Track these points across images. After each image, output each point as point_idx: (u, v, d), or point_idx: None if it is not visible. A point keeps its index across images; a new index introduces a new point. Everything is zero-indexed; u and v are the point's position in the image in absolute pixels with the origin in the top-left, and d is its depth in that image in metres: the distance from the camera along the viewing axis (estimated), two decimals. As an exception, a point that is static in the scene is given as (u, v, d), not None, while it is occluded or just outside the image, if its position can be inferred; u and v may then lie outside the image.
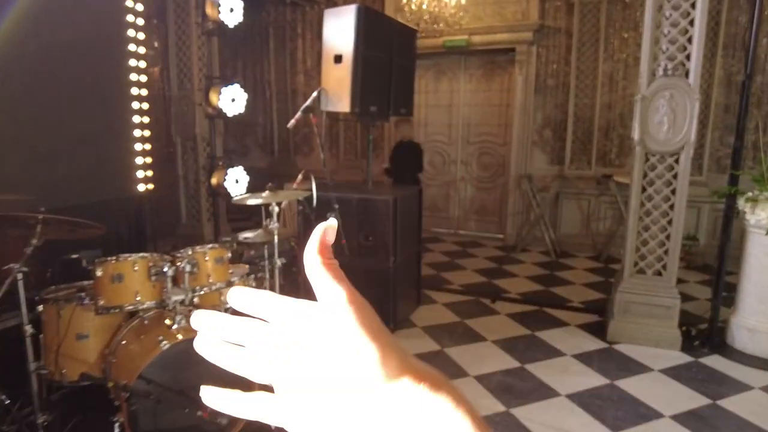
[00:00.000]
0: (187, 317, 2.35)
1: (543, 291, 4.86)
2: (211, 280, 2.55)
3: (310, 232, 0.34)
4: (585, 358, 3.49)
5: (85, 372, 2.32)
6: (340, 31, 3.60)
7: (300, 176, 3.18)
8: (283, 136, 7.92)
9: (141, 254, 2.40)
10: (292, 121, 2.92)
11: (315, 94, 3.05)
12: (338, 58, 3.59)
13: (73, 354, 2.39)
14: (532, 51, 6.20)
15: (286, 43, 7.70)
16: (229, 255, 2.73)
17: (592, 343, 3.72)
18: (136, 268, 2.33)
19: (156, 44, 5.81)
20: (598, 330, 3.90)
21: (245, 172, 4.08)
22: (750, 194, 3.42)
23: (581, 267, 5.63)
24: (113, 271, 2.30)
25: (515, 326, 4.00)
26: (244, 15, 3.88)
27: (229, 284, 2.65)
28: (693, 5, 3.32)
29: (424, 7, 6.16)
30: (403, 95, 4.25)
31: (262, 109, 8.01)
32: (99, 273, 2.29)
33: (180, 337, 2.24)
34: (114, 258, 2.32)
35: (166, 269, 2.35)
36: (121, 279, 2.31)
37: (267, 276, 3.02)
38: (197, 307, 2.58)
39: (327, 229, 0.35)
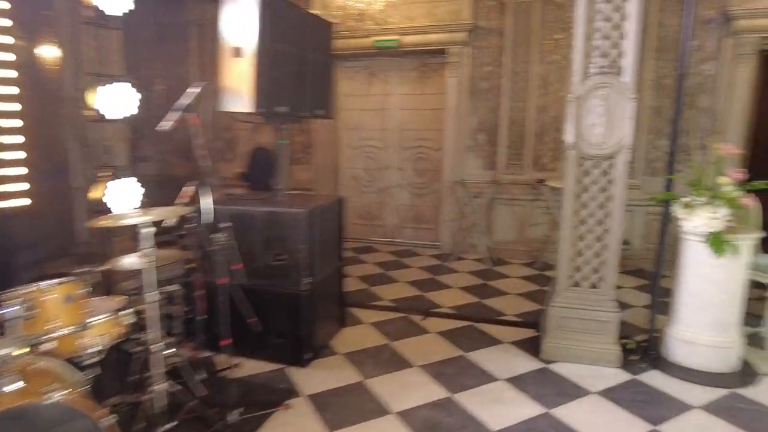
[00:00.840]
0: (26, 375, 1.81)
1: (476, 303, 4.56)
2: (53, 325, 2.02)
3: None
4: (519, 382, 3.19)
5: None
6: (240, 21, 3.13)
7: (187, 188, 2.69)
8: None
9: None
10: (167, 122, 2.43)
11: (196, 89, 2.57)
12: (238, 52, 3.12)
13: None
14: (465, 52, 5.95)
15: (207, 42, 7.09)
16: (88, 289, 2.20)
17: (527, 363, 3.43)
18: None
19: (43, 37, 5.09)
20: (533, 347, 3.62)
21: (139, 184, 3.53)
22: (686, 200, 3.24)
23: (516, 275, 5.41)
24: None
25: (446, 346, 3.66)
26: (136, 3, 3.36)
27: (84, 327, 2.13)
28: None
29: (351, 2, 5.80)
30: (320, 95, 3.83)
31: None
32: None
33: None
34: None
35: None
36: None
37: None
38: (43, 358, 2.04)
39: None
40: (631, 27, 3.14)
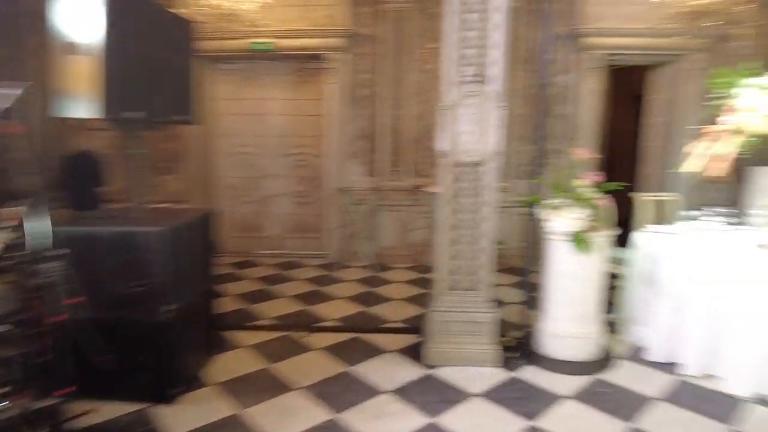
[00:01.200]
0: None
1: (362, 313, 4.48)
2: None
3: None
4: (404, 392, 3.14)
5: None
6: (79, 14, 2.71)
7: (11, 209, 2.24)
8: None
9: None
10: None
11: (15, 92, 2.15)
12: (78, 49, 2.70)
13: None
14: (344, 59, 5.87)
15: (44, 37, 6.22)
16: None
17: (412, 371, 3.40)
18: None
19: None
20: (417, 353, 3.61)
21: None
22: (550, 202, 3.43)
23: (401, 279, 5.44)
24: None
25: (330, 362, 3.51)
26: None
27: None
28: (495, 9, 3.20)
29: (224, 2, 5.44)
30: (181, 99, 3.48)
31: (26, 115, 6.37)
32: None
33: None
34: None
35: None
36: None
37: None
38: None
39: None
40: (499, 38, 3.25)
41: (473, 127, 3.30)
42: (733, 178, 4.42)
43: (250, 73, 6.28)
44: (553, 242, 3.47)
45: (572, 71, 5.72)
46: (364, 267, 5.82)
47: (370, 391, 3.14)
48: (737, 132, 3.81)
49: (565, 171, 3.42)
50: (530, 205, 3.58)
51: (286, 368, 3.42)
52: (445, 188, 3.43)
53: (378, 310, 4.54)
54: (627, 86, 7.06)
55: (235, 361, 3.52)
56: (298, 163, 6.38)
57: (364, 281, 5.38)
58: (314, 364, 3.50)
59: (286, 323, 4.20)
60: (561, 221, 3.35)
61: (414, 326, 4.08)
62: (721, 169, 3.68)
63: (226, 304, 4.52)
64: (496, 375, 3.38)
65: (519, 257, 5.57)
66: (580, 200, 3.28)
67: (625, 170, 6.46)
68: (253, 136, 6.40)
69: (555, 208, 3.37)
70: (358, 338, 3.91)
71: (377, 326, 4.17)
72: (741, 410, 2.99)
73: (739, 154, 3.77)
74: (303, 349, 3.73)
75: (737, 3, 4.05)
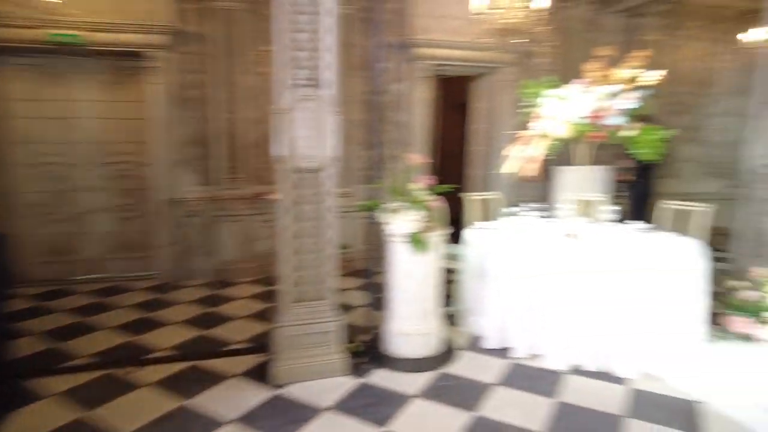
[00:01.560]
0: None
1: (200, 338, 4.08)
2: None
3: None
4: (250, 419, 2.90)
5: None
6: None
7: None
8: None
9: None
10: None
11: None
12: None
13: None
14: (169, 57, 5.33)
15: None
16: None
17: (259, 394, 3.17)
18: None
19: None
20: (265, 373, 3.38)
21: None
22: (388, 205, 3.49)
23: (245, 295, 5.11)
24: None
25: (163, 399, 3.10)
26: None
27: None
28: (326, 12, 3.13)
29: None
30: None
31: None
32: None
33: None
34: None
35: None
36: None
37: None
38: None
39: None
40: (331, 41, 3.20)
41: (310, 132, 3.20)
42: (542, 177, 5.01)
43: (53, 70, 5.37)
44: (394, 244, 3.54)
45: (405, 80, 5.98)
46: (202, 285, 5.35)
47: (211, 424, 2.84)
48: (543, 136, 4.32)
49: (401, 175, 3.51)
50: (370, 209, 3.60)
51: (108, 413, 2.93)
52: (285, 195, 3.27)
53: (219, 331, 4.18)
54: (454, 95, 7.65)
55: (40, 415, 2.91)
56: (119, 174, 5.63)
57: (202, 301, 4.93)
58: (144, 403, 3.06)
59: (107, 360, 3.63)
60: (399, 223, 3.42)
61: (260, 345, 3.83)
62: (532, 169, 4.13)
63: (28, 346, 3.77)
64: (345, 384, 3.31)
65: (364, 260, 5.65)
66: (415, 203, 3.39)
67: (454, 173, 6.99)
68: (60, 144, 5.48)
69: (393, 211, 3.43)
70: (196, 366, 3.54)
71: (218, 350, 3.83)
72: (562, 382, 3.36)
73: (546, 156, 4.27)
74: (129, 387, 3.24)
75: (537, 23, 4.60)
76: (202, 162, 5.54)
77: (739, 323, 3.92)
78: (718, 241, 5.49)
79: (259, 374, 3.40)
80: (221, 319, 4.45)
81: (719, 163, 7.88)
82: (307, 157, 3.22)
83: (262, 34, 5.48)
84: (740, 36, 7.14)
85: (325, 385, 3.28)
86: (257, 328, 4.25)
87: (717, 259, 4.28)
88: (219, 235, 5.59)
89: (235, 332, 4.16)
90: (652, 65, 3.92)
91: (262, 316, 4.51)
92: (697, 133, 7.66)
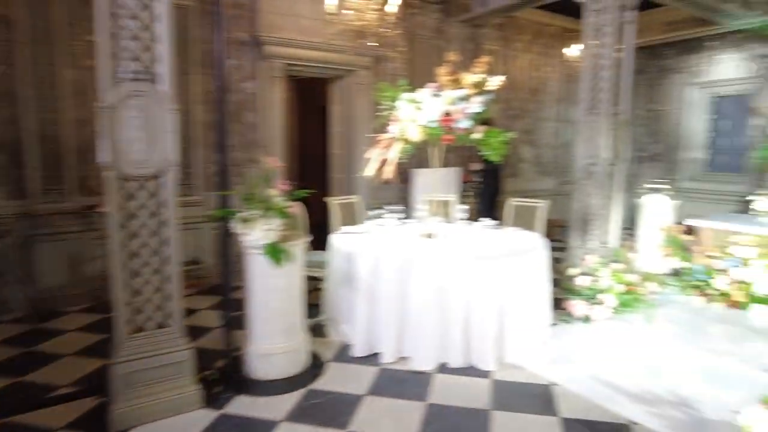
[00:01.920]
0: None
1: (13, 385, 3.33)
2: None
3: None
4: (79, 481, 2.39)
5: None
6: None
7: None
8: None
9: None
10: None
11: None
12: None
13: None
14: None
15: None
16: None
17: (92, 447, 2.65)
18: None
19: None
20: (101, 420, 2.84)
21: None
22: (243, 214, 3.17)
23: (74, 327, 4.33)
24: None
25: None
26: None
27: None
28: None
29: None
30: None
31: None
32: None
33: None
34: None
35: None
36: None
37: None
38: None
39: None
40: (163, 29, 2.80)
41: (141, 134, 2.76)
42: (400, 180, 5.07)
43: None
44: (251, 256, 3.24)
45: (257, 78, 5.64)
46: (15, 321, 4.42)
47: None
48: (400, 139, 4.35)
49: (256, 181, 3.23)
50: (222, 218, 3.25)
51: None
52: (116, 208, 2.78)
53: (39, 376, 3.45)
54: (316, 98, 7.46)
55: None
56: None
57: (15, 340, 4.05)
58: None
59: None
60: (255, 233, 3.14)
61: (95, 385, 3.24)
62: (389, 172, 4.12)
63: None
64: (202, 419, 2.93)
65: (218, 275, 5.19)
66: (271, 210, 3.13)
67: (317, 176, 6.82)
68: None
69: (247, 220, 3.13)
70: (9, 424, 2.85)
71: (40, 399, 3.14)
72: (431, 383, 3.37)
73: (400, 159, 4.30)
74: None
75: (386, 27, 4.63)
76: (11, 171, 4.58)
77: (578, 306, 4.35)
78: (556, 232, 6.10)
79: (96, 422, 2.85)
80: (43, 360, 3.68)
81: (551, 163, 8.85)
82: (140, 163, 2.78)
83: (81, 21, 4.73)
84: (564, 50, 8.10)
85: (177, 424, 2.86)
86: (90, 365, 3.60)
87: (555, 249, 4.71)
88: (37, 257, 4.68)
89: (62, 374, 3.47)
90: (492, 72, 4.15)
91: (95, 350, 3.84)
92: (532, 135, 8.50)
